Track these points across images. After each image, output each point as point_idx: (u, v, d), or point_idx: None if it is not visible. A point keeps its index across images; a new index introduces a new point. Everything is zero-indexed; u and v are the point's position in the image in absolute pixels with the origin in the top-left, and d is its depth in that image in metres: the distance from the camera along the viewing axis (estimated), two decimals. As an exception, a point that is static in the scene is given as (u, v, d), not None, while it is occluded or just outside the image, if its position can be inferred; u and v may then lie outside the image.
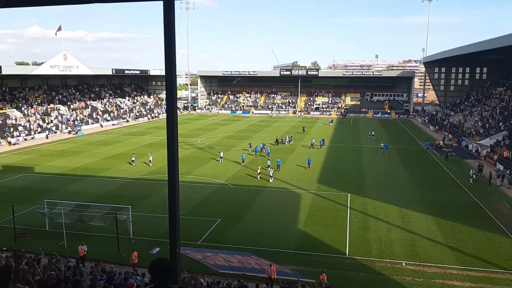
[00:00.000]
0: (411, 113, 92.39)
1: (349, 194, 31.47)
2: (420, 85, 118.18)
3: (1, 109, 61.78)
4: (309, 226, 25.20)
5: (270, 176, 35.40)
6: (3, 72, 58.01)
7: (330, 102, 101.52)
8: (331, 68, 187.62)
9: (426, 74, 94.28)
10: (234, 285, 16.29)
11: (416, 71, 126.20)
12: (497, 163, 40.95)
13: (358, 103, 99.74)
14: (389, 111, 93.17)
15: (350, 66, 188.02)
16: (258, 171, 36.49)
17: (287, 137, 54.99)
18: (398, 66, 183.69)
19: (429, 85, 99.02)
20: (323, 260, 20.71)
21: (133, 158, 41.46)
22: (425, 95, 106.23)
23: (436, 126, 69.62)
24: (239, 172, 38.76)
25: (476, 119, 61.77)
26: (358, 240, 23.20)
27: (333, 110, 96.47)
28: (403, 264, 20.36)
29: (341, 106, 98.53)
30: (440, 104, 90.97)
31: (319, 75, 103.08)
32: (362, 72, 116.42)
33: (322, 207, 28.86)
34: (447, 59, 77.57)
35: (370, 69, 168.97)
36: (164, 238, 21.81)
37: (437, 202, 29.81)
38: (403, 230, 24.59)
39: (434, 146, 52.30)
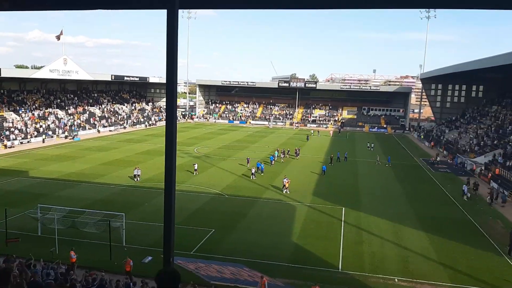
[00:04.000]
0: (407, 129, 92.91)
1: (343, 208, 31.50)
2: (416, 101, 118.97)
3: (-2, 111, 61.64)
4: (302, 239, 25.17)
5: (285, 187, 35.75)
6: (2, 75, 58.14)
7: (327, 115, 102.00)
8: (329, 81, 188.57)
9: (423, 90, 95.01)
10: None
11: (413, 87, 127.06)
12: (491, 181, 41.19)
13: (355, 116, 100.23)
14: (385, 125, 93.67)
15: (347, 80, 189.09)
16: (287, 185, 35.51)
17: (276, 152, 51.69)
18: (396, 82, 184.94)
19: (426, 101, 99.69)
20: (316, 273, 20.66)
21: (137, 172, 37.82)
22: (421, 111, 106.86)
23: (432, 142, 69.98)
24: (234, 182, 38.75)
25: (471, 136, 62.20)
26: (352, 254, 23.19)
27: (329, 123, 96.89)
28: (396, 280, 20.35)
29: (338, 119, 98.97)
30: (435, 120, 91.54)
31: (317, 87, 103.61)
32: (360, 86, 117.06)
33: (316, 220, 28.86)
34: (444, 76, 78.32)
35: (367, 83, 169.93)
36: (156, 247, 21.74)
37: (430, 218, 29.89)
38: (396, 246, 24.61)
39: (429, 161, 52.60)
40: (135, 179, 37.49)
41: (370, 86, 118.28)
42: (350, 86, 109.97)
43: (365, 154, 57.11)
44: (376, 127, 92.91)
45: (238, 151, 56.30)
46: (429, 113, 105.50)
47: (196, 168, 41.31)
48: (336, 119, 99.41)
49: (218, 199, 33.13)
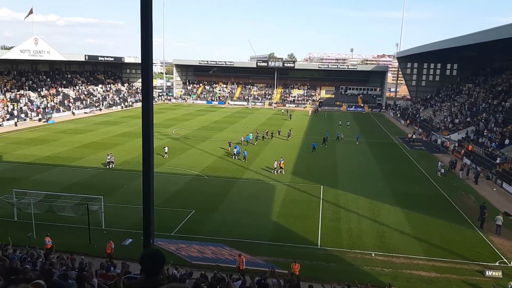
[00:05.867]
0: (383, 107, 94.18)
1: (322, 186, 31.99)
2: (393, 80, 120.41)
3: (-34, 94, 59.37)
4: (282, 218, 25.52)
5: (275, 168, 35.89)
6: (-31, 56, 55.76)
7: (305, 94, 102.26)
8: (307, 60, 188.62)
9: (399, 69, 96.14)
10: (208, 277, 16.37)
11: (389, 66, 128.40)
12: (464, 157, 42.41)
13: (333, 96, 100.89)
14: (362, 105, 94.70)
15: (325, 59, 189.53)
16: (280, 165, 35.63)
17: (250, 135, 50.02)
18: (373, 61, 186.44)
19: (402, 80, 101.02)
20: (296, 251, 21.07)
21: (111, 159, 35.67)
22: (398, 89, 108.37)
23: (407, 121, 71.33)
24: (213, 163, 38.72)
25: (446, 114, 63.59)
26: (330, 231, 23.69)
27: (308, 102, 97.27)
28: (373, 254, 20.96)
29: (316, 99, 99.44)
30: (411, 99, 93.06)
31: (295, 67, 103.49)
32: (337, 65, 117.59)
33: (296, 198, 29.25)
34: (419, 55, 79.27)
35: (345, 62, 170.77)
36: (136, 229, 21.70)
37: (406, 195, 30.71)
38: (373, 222, 25.25)
39: (405, 139, 53.77)
40: (108, 166, 35.43)
41: (348, 65, 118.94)
42: (328, 65, 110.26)
43: (348, 134, 57.63)
44: (353, 106, 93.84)
45: (217, 132, 56.10)
46: (405, 92, 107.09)
47: (166, 151, 40.04)
48: (315, 98, 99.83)
49: (198, 180, 33.10)
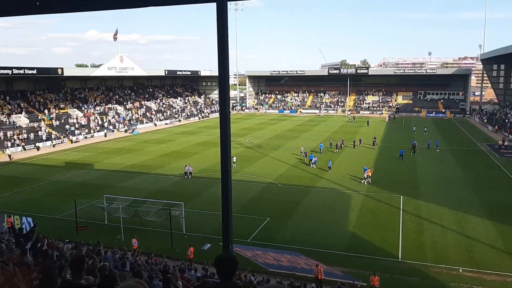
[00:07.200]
0: (467, 112, 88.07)
1: (401, 196, 30.59)
2: (477, 83, 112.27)
3: (63, 108, 65.78)
4: (359, 228, 24.81)
5: (365, 178, 34.72)
6: (65, 74, 61.94)
7: (380, 101, 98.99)
8: (381, 66, 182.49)
9: (484, 72, 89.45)
10: (284, 284, 16.39)
11: (472, 69, 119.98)
12: None
13: (411, 102, 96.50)
14: (443, 110, 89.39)
15: (401, 64, 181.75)
16: (369, 174, 34.62)
17: (321, 145, 48.89)
18: (453, 64, 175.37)
19: (487, 83, 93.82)
20: (374, 262, 20.31)
21: (189, 169, 36.44)
22: (483, 93, 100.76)
23: (496, 126, 65.91)
24: (286, 171, 38.80)
25: (541, 118, 57.82)
26: (412, 243, 22.53)
27: (384, 109, 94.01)
28: (460, 270, 19.54)
29: (393, 105, 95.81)
30: (499, 103, 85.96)
31: (369, 73, 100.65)
32: (415, 70, 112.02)
33: (373, 208, 28.28)
34: (507, 56, 73.03)
35: (423, 66, 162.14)
36: (214, 234, 22.35)
37: (496, 206, 28.31)
38: (459, 235, 23.59)
39: (494, 147, 49.73)
40: (186, 177, 36.17)
41: (426, 70, 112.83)
42: (404, 70, 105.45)
43: (420, 141, 54.70)
44: (434, 112, 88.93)
45: (289, 141, 56.24)
46: (492, 95, 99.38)
47: (234, 161, 39.65)
48: (391, 105, 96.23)
49: (272, 188, 33.36)
